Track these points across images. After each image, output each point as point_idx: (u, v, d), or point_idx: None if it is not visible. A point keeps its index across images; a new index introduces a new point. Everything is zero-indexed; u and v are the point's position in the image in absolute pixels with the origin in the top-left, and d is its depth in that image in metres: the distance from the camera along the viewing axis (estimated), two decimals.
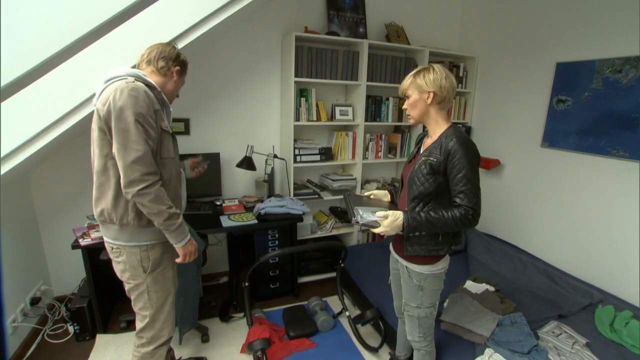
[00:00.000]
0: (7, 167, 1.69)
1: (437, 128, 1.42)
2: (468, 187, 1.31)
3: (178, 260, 1.44)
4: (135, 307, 1.47)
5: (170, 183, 1.41)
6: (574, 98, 2.46)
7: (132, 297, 1.46)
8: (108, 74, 1.33)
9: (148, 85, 1.36)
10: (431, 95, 1.37)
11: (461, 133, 1.36)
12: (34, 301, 2.23)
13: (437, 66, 1.39)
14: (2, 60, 1.15)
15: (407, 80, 1.42)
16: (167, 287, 1.48)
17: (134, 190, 1.23)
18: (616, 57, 2.20)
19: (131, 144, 1.22)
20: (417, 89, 1.39)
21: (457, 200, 1.33)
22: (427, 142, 1.47)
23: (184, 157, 1.87)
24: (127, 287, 1.46)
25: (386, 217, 1.35)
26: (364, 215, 1.38)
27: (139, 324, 1.48)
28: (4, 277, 1.95)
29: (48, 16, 1.24)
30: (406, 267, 1.51)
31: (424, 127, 1.50)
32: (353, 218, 1.41)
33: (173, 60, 1.46)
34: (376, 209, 1.41)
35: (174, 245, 1.41)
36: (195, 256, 1.48)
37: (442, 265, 1.48)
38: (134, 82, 1.29)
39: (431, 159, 1.36)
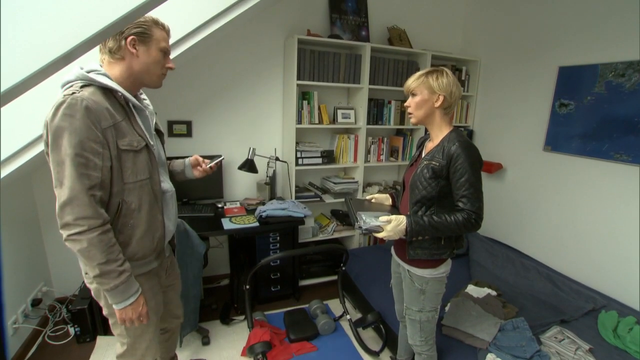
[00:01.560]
0: (9, 168, 1.69)
1: (440, 132, 1.42)
2: (470, 191, 1.30)
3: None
4: (114, 332, 1.30)
5: (141, 210, 1.17)
6: (576, 102, 2.45)
7: (110, 322, 1.29)
8: (63, 78, 1.10)
9: (105, 88, 1.10)
10: (441, 98, 1.36)
11: (463, 137, 1.36)
12: (35, 302, 2.23)
13: (449, 71, 1.39)
14: (3, 63, 1.15)
15: (418, 79, 1.40)
16: None
17: (65, 235, 1.03)
18: (619, 61, 2.20)
19: (65, 181, 1.01)
20: (428, 89, 1.37)
21: (460, 204, 1.32)
22: (429, 145, 1.47)
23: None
24: (103, 311, 1.27)
25: (389, 221, 1.34)
26: (367, 220, 1.37)
27: (118, 349, 1.33)
28: (5, 278, 1.95)
29: (51, 19, 1.24)
30: (408, 270, 1.50)
31: (426, 130, 1.50)
32: (356, 223, 1.39)
33: (121, 32, 1.10)
34: (379, 214, 1.40)
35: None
36: (141, 322, 1.19)
37: (444, 269, 1.47)
38: (72, 94, 1.02)
39: (433, 163, 1.36)
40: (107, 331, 2.27)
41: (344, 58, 2.76)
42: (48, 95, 1.65)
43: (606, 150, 2.29)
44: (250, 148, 2.63)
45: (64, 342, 2.20)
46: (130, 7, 1.17)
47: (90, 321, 2.17)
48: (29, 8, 1.16)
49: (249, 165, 2.60)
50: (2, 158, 1.61)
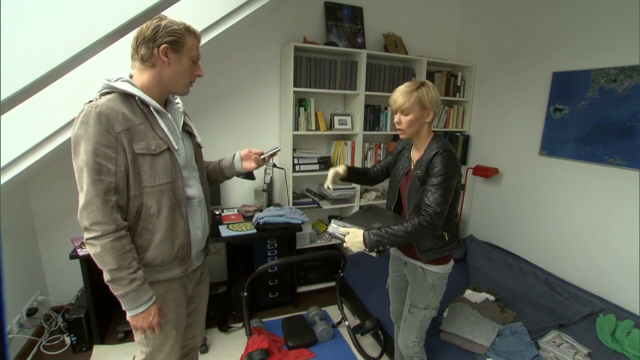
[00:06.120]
0: (6, 177, 1.69)
1: (425, 142, 1.47)
2: (436, 187, 1.34)
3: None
4: (135, 338, 1.30)
5: (160, 216, 1.14)
6: (570, 107, 2.48)
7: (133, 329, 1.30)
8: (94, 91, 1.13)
9: (125, 93, 1.10)
10: (431, 114, 1.41)
11: (444, 143, 1.41)
12: (31, 312, 2.21)
13: (430, 83, 1.42)
14: (3, 72, 1.16)
15: (408, 95, 1.39)
16: (166, 330, 1.25)
17: (84, 238, 1.07)
18: (611, 66, 2.22)
19: (84, 186, 1.04)
20: (419, 106, 1.39)
21: (424, 199, 1.36)
22: (416, 155, 1.51)
23: None
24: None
25: (348, 233, 1.40)
26: (334, 226, 1.49)
27: (138, 356, 1.33)
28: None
29: (49, 30, 1.25)
30: (421, 267, 1.53)
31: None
32: (328, 227, 1.54)
33: (154, 40, 1.09)
34: (350, 225, 1.44)
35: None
36: (153, 332, 1.17)
37: (452, 264, 1.54)
38: (89, 102, 1.05)
39: (418, 172, 1.42)
40: (103, 340, 2.26)
41: (340, 65, 2.78)
42: (46, 102, 1.67)
43: (601, 155, 2.31)
44: None
45: (59, 351, 2.17)
46: (131, 14, 1.18)
47: (86, 330, 2.15)
48: (30, 17, 1.17)
49: (246, 172, 2.59)
50: (1, 165, 1.61)
